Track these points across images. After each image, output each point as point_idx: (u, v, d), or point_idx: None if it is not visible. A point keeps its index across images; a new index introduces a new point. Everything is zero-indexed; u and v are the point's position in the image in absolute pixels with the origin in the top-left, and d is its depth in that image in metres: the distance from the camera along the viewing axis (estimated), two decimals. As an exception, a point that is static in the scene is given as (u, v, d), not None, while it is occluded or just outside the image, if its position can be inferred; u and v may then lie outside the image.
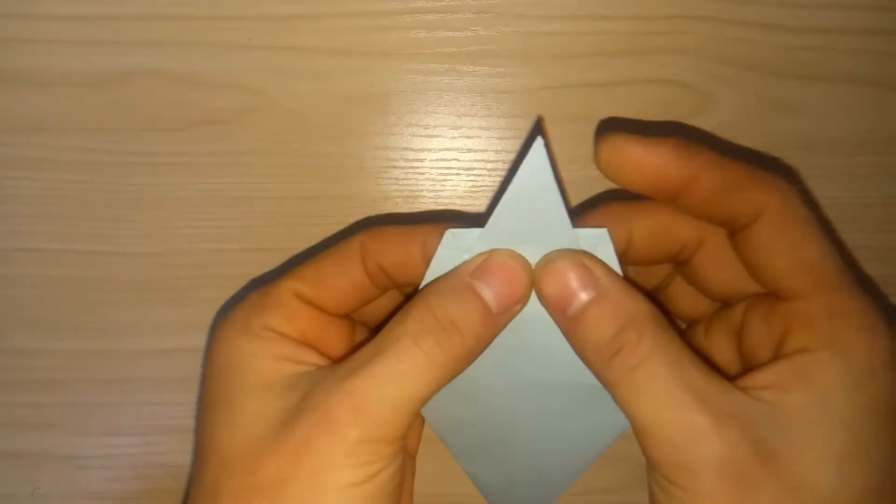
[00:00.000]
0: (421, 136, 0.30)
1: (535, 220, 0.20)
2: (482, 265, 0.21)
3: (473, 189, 0.30)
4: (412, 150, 0.30)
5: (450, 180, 0.30)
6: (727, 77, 0.29)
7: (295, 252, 0.30)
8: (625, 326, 0.19)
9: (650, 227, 0.22)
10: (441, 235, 0.21)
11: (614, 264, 0.21)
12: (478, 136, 0.30)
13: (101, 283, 0.30)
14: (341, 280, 0.23)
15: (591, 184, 0.30)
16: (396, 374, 0.19)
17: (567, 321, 0.20)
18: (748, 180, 0.20)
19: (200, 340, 0.31)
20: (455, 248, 0.21)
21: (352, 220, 0.30)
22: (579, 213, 0.22)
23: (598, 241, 0.21)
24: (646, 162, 0.20)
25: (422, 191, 0.30)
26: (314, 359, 0.22)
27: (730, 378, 0.19)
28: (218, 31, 0.28)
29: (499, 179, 0.30)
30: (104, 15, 0.28)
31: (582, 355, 0.20)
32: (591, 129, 0.30)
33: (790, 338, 0.20)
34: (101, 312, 0.31)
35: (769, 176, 0.20)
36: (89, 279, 0.30)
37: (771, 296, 0.21)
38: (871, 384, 0.18)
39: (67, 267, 0.30)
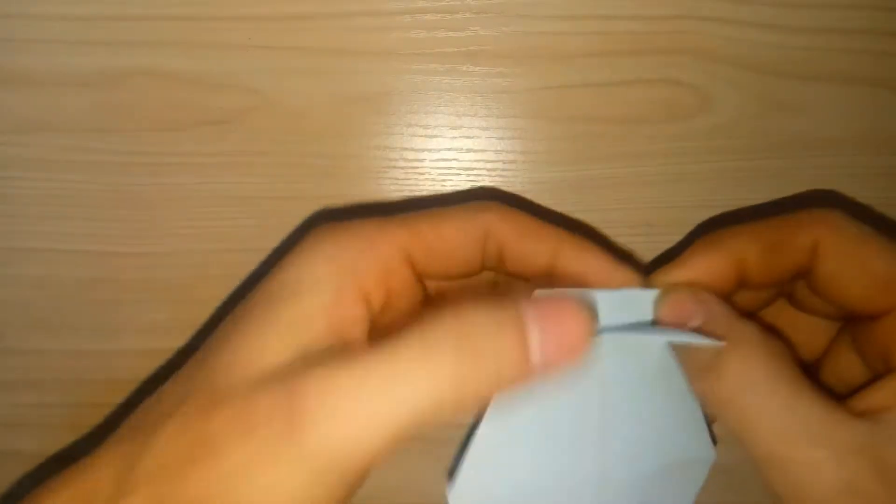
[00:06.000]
0: (421, 136, 0.30)
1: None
2: (545, 303, 0.17)
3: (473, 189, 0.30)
4: (412, 150, 0.30)
5: (450, 180, 0.30)
6: (727, 77, 0.29)
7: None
8: (733, 349, 0.19)
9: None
10: (576, 241, 0.21)
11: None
12: (478, 136, 0.30)
13: (101, 283, 0.30)
14: (458, 252, 0.21)
15: (590, 184, 0.30)
16: (385, 376, 0.16)
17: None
18: (787, 230, 0.21)
19: (200, 340, 0.31)
20: None
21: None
22: (679, 249, 0.22)
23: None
24: (701, 281, 0.21)
25: (422, 191, 0.30)
26: (358, 330, 0.19)
27: (846, 395, 0.19)
28: (218, 31, 0.28)
29: (499, 179, 0.30)
30: (104, 15, 0.28)
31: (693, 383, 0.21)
32: (590, 129, 0.30)
33: (892, 356, 0.20)
34: (101, 312, 0.31)
35: (806, 213, 0.21)
36: (89, 279, 0.30)
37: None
38: None
39: (67, 267, 0.30)
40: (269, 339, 0.18)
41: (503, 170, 0.30)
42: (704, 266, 0.21)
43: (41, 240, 0.30)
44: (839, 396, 0.19)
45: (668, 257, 0.22)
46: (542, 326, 0.17)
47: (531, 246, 0.22)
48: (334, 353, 0.18)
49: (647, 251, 0.31)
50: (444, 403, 0.16)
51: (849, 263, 0.20)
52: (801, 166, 0.30)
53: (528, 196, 0.30)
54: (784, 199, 0.30)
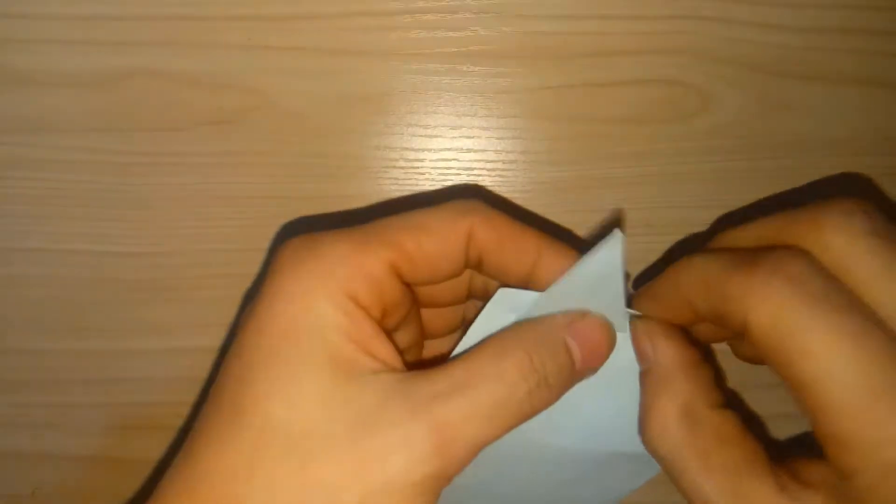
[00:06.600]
0: (421, 136, 0.30)
1: (592, 301, 0.21)
2: (578, 324, 0.21)
3: (473, 189, 0.30)
4: (412, 150, 0.30)
5: (450, 180, 0.30)
6: (727, 77, 0.29)
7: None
8: (650, 417, 0.20)
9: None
10: (557, 249, 0.21)
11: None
12: (478, 136, 0.30)
13: (101, 283, 0.30)
14: (442, 262, 0.21)
15: (590, 184, 0.30)
16: (485, 418, 0.19)
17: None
18: (721, 298, 0.19)
19: (201, 340, 0.31)
20: (504, 307, 0.21)
21: (352, 219, 0.30)
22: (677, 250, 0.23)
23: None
24: (669, 315, 0.21)
25: (422, 191, 0.30)
26: (388, 353, 0.20)
27: (788, 455, 0.19)
28: (218, 31, 0.28)
29: (499, 179, 0.30)
30: (104, 15, 0.28)
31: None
32: (590, 129, 0.30)
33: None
34: (101, 312, 0.31)
35: (742, 282, 0.18)
36: (89, 279, 0.30)
37: None
38: None
39: (67, 267, 0.30)
40: (308, 379, 0.19)
41: (503, 170, 0.30)
42: (667, 301, 0.21)
43: (41, 240, 0.30)
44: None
45: (666, 259, 0.22)
46: (580, 344, 0.20)
47: (511, 255, 0.22)
48: (408, 379, 0.19)
49: (647, 251, 0.31)
50: (510, 430, 0.19)
51: (777, 352, 0.18)
52: (802, 166, 0.30)
53: (529, 196, 0.30)
54: (783, 198, 0.30)
